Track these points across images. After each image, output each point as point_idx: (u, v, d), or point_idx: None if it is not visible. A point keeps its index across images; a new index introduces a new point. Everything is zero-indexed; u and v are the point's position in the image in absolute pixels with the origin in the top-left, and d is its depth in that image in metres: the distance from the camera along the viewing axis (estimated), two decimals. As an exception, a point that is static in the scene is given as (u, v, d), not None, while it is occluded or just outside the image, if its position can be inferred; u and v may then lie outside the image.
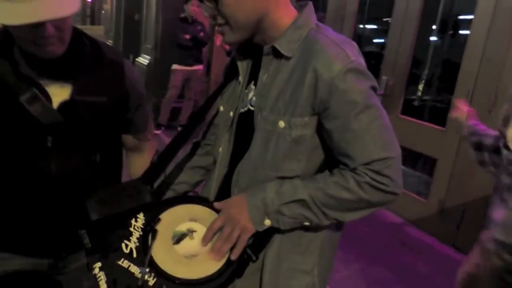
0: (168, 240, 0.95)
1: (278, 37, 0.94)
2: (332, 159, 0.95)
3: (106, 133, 1.19)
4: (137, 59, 7.18)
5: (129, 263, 0.90)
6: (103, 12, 10.99)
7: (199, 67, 5.55)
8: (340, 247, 1.11)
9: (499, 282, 1.40)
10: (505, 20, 2.76)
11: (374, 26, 6.13)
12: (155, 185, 1.12)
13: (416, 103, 4.80)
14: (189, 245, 0.94)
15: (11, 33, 1.01)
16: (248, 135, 1.00)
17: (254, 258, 0.93)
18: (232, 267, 0.91)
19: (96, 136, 1.15)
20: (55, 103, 1.06)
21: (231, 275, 0.91)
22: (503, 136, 1.24)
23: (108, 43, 1.37)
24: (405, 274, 2.75)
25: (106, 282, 0.88)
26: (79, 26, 1.08)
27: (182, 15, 5.32)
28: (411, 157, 3.91)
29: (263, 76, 0.97)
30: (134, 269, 0.89)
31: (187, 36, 5.19)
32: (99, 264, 0.90)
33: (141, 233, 0.95)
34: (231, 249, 0.93)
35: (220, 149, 1.09)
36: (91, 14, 11.28)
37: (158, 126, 5.30)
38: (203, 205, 1.03)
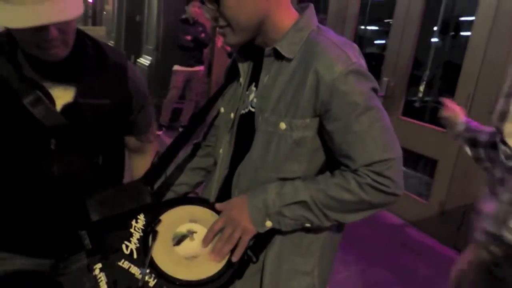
0: (169, 241, 0.95)
1: (279, 39, 0.94)
2: (333, 161, 0.95)
3: (109, 135, 1.19)
4: (138, 60, 7.19)
5: (129, 264, 0.90)
6: (104, 13, 11.01)
7: (200, 68, 5.56)
8: (340, 248, 1.11)
9: (486, 275, 1.41)
10: (506, 22, 2.76)
11: (376, 28, 6.13)
12: (156, 186, 1.12)
13: (417, 104, 4.79)
14: (190, 246, 0.94)
15: (14, 35, 1.00)
16: (248, 136, 1.00)
17: (254, 259, 0.93)
18: (232, 269, 0.91)
19: (99, 138, 1.15)
20: (59, 106, 1.06)
21: (232, 276, 0.91)
22: (499, 131, 1.25)
23: (109, 44, 1.37)
24: (405, 276, 2.75)
25: (107, 283, 0.88)
26: (81, 27, 1.08)
27: (184, 16, 5.33)
28: (412, 158, 3.91)
29: (264, 78, 0.98)
30: (135, 270, 0.89)
31: (188, 37, 5.20)
32: (99, 265, 0.90)
33: (142, 234, 0.95)
34: (232, 250, 0.93)
35: (221, 151, 1.09)
36: (93, 15, 11.29)
37: (159, 126, 5.30)
38: (204, 206, 1.03)
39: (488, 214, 1.40)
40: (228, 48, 4.89)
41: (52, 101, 1.05)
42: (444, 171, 3.22)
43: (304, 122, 0.92)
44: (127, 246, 0.93)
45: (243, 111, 1.04)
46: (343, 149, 0.90)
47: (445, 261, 2.91)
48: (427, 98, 4.85)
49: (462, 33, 4.77)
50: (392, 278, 2.69)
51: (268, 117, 0.95)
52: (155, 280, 0.88)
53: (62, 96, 1.07)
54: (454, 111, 1.62)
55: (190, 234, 0.96)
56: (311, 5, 0.99)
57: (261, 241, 0.96)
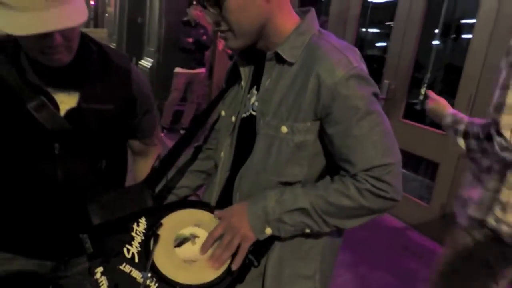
0: (170, 244, 0.95)
1: (281, 43, 0.94)
2: (334, 165, 0.95)
3: (112, 140, 1.19)
4: (140, 62, 7.20)
5: (131, 268, 0.90)
6: (106, 15, 11.04)
7: (202, 70, 5.57)
8: (341, 251, 1.11)
9: (468, 259, 1.46)
10: (507, 25, 2.76)
11: (377, 30, 6.13)
12: (157, 189, 1.12)
13: (418, 107, 4.79)
14: (190, 249, 0.94)
15: (19, 41, 1.00)
16: (250, 140, 1.00)
17: (256, 263, 0.93)
18: (232, 276, 0.90)
19: (102, 143, 1.15)
20: (62, 111, 1.07)
21: (232, 281, 0.91)
22: (495, 123, 1.26)
23: (111, 46, 1.37)
24: (407, 279, 2.74)
25: (108, 286, 0.88)
26: (82, 29, 1.07)
27: (185, 19, 5.34)
28: (413, 161, 3.91)
29: (265, 82, 0.98)
30: (136, 274, 0.89)
31: (190, 40, 5.22)
32: (101, 269, 0.90)
33: (143, 237, 0.95)
34: (232, 255, 0.92)
35: (222, 154, 1.09)
36: (95, 17, 11.29)
37: (161, 129, 5.30)
38: (205, 209, 1.04)
39: (473, 200, 1.44)
40: (229, 51, 4.89)
41: (56, 106, 1.05)
42: (445, 174, 3.21)
43: (305, 125, 0.92)
44: (128, 250, 0.93)
45: (244, 115, 1.04)
46: (343, 153, 0.90)
47: (447, 264, 2.90)
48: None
49: (463, 36, 4.77)
50: (393, 282, 2.69)
51: (269, 121, 0.95)
52: (157, 284, 0.87)
53: (66, 101, 1.07)
54: (439, 102, 1.62)
55: (192, 238, 0.96)
56: (312, 9, 0.99)
57: (262, 246, 0.95)
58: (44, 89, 1.04)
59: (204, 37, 5.35)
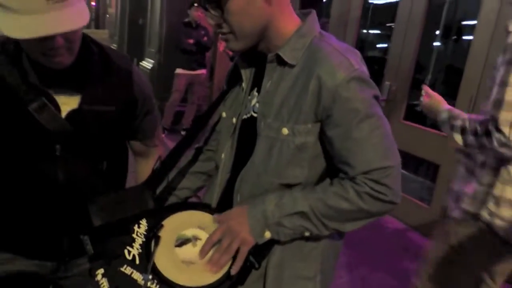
0: (171, 246, 0.95)
1: (282, 45, 0.95)
2: (334, 167, 0.95)
3: (113, 141, 1.19)
4: (141, 63, 7.21)
5: (132, 269, 0.90)
6: (107, 16, 11.05)
7: (202, 71, 5.57)
8: (342, 253, 1.11)
9: (461, 251, 1.48)
10: (508, 26, 2.76)
11: (378, 31, 6.13)
12: (158, 190, 1.12)
13: (419, 108, 4.77)
14: (190, 251, 0.94)
15: (20, 43, 1.00)
16: (250, 141, 1.00)
17: (257, 265, 0.93)
18: (231, 280, 0.90)
19: (103, 144, 1.15)
20: (64, 112, 1.07)
21: (232, 285, 0.91)
22: (494, 119, 1.27)
23: (112, 47, 1.37)
24: (407, 281, 2.73)
25: None
26: (83, 30, 1.07)
27: (186, 20, 5.35)
28: (413, 163, 3.90)
29: (266, 84, 0.98)
30: (137, 276, 0.89)
31: (191, 41, 5.22)
32: (101, 271, 0.90)
33: (144, 239, 0.95)
34: (233, 258, 0.92)
35: (223, 155, 1.09)
36: (96, 18, 11.33)
37: (162, 129, 5.30)
38: (206, 211, 1.04)
39: (467, 194, 1.46)
40: (230, 52, 4.90)
41: (57, 107, 1.05)
42: (446, 176, 3.21)
43: (306, 127, 0.92)
44: (129, 252, 0.93)
45: (245, 116, 1.04)
46: (343, 156, 0.91)
47: (447, 266, 2.89)
48: (429, 102, 4.83)
49: (464, 37, 4.77)
50: (393, 283, 2.68)
51: (270, 123, 0.95)
52: (158, 286, 0.87)
53: (68, 102, 1.07)
54: (434, 98, 1.62)
55: (194, 239, 0.96)
56: (313, 12, 0.99)
57: (263, 248, 0.95)
58: (46, 91, 1.04)
59: (205, 38, 5.35)
